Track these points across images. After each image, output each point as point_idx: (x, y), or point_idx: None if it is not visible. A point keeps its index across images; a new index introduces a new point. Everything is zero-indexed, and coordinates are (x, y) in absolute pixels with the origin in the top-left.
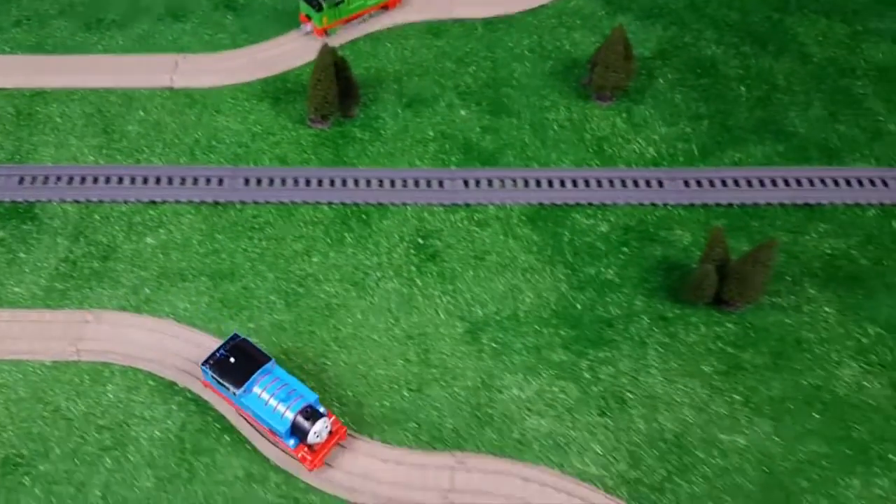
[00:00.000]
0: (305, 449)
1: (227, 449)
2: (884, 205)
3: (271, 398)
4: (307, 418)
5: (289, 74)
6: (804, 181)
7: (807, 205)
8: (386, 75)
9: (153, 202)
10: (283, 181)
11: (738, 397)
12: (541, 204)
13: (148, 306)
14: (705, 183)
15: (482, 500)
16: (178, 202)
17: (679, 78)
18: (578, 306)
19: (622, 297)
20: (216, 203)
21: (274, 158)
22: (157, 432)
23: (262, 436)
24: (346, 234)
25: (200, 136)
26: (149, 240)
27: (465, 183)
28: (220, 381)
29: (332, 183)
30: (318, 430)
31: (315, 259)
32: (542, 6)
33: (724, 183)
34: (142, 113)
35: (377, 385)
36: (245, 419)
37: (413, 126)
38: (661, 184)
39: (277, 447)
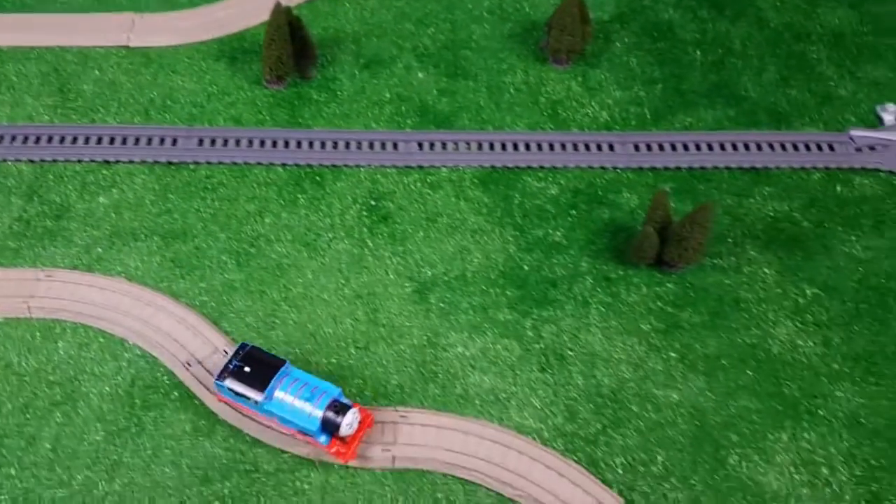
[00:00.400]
0: (338, 443)
1: (175, 404)
2: (829, 169)
3: (296, 400)
4: (336, 412)
5: (246, 34)
6: (752, 145)
7: (753, 168)
8: (344, 36)
9: (107, 162)
10: (238, 142)
11: (674, 354)
12: (493, 167)
13: (100, 265)
14: (655, 147)
15: (423, 453)
16: (131, 162)
17: (636, 42)
18: (525, 267)
19: (568, 259)
20: (170, 163)
21: (229, 119)
22: (106, 388)
23: (210, 392)
24: (299, 196)
25: (156, 96)
26: (102, 199)
27: (420, 145)
28: (240, 393)
29: (286, 144)
30: (350, 422)
31: (267, 220)
32: None
33: (673, 147)
34: (97, 72)
35: (325, 343)
36: (271, 426)
37: (370, 88)
38: (611, 147)
39: (229, 407)
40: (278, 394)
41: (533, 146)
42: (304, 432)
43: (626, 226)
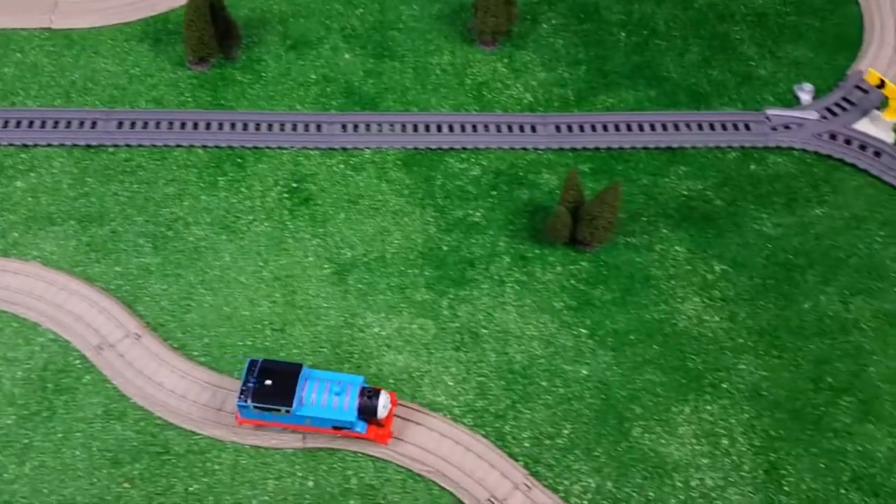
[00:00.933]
0: (374, 428)
1: (87, 388)
2: (744, 147)
3: (325, 398)
4: (370, 397)
5: (171, 15)
6: (670, 125)
7: (670, 148)
8: (271, 16)
9: (25, 145)
10: (158, 124)
11: (584, 331)
12: (416, 148)
13: (15, 249)
14: (576, 128)
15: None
16: (50, 146)
17: (562, 23)
18: (444, 248)
19: (486, 239)
20: (89, 146)
21: (150, 101)
22: (19, 372)
23: (125, 377)
24: (219, 178)
25: (77, 78)
26: (19, 183)
27: (343, 127)
28: (268, 408)
29: (207, 126)
30: (384, 403)
31: (186, 202)
32: None
33: (593, 128)
34: (19, 55)
35: (241, 325)
36: (301, 431)
37: (295, 69)
38: (533, 129)
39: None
40: (307, 397)
41: (457, 127)
42: (340, 427)
43: (544, 206)
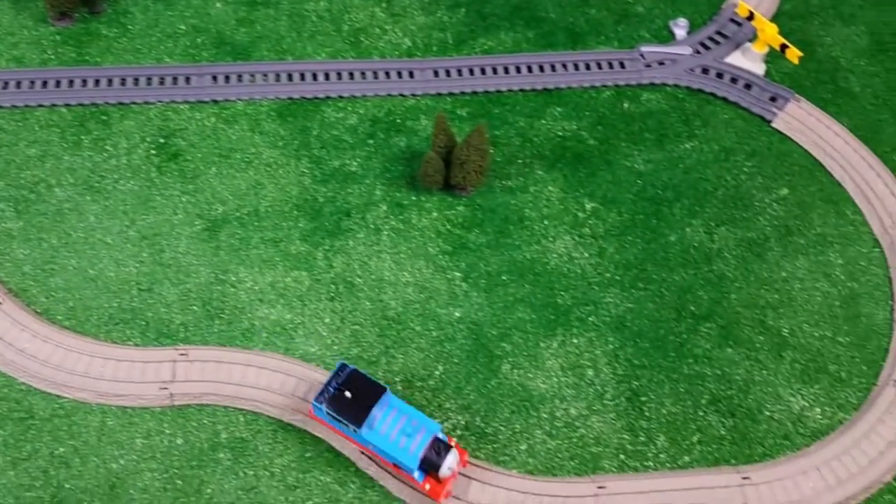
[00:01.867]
0: (431, 480)
1: None
2: (618, 86)
3: (395, 433)
4: (438, 453)
5: None
6: (546, 66)
7: (546, 90)
8: None
9: None
10: (19, 84)
11: (458, 274)
12: (291, 98)
13: None
14: (454, 72)
15: (202, 389)
16: None
17: None
18: (320, 199)
19: (363, 188)
20: None
21: (11, 60)
22: None
23: None
24: (83, 137)
25: None
26: None
27: (214, 78)
28: (338, 418)
29: (70, 84)
30: (451, 464)
31: (48, 164)
32: None
33: (471, 72)
34: None
35: (106, 287)
36: (365, 454)
37: (164, 20)
38: (411, 74)
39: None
40: (378, 425)
41: (333, 76)
42: (398, 466)
43: (422, 152)
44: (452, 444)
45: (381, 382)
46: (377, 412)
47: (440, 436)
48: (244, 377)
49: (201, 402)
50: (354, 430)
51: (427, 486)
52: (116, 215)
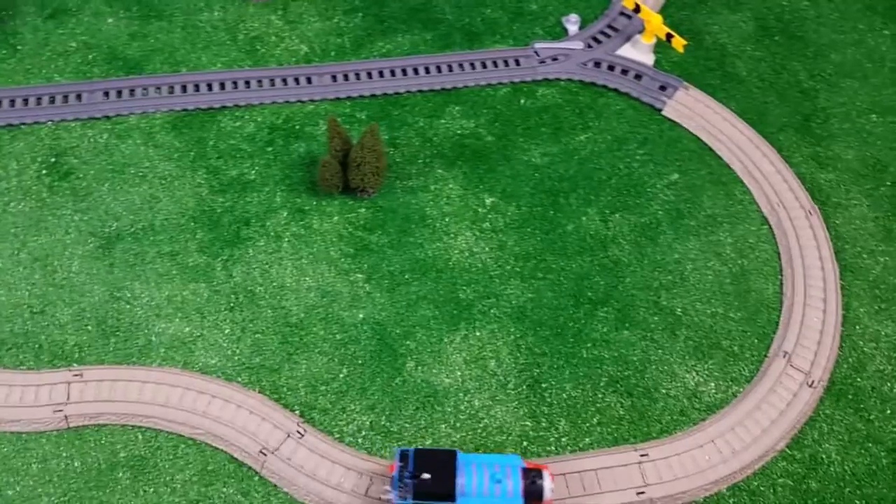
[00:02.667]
0: None
1: None
2: (514, 83)
3: (487, 486)
4: (533, 481)
5: None
6: (444, 67)
7: (444, 89)
8: None
9: None
10: None
11: (361, 276)
12: (185, 110)
13: None
14: (352, 76)
15: (99, 409)
16: None
17: None
18: (218, 209)
19: (262, 196)
20: None
21: None
22: None
23: None
24: None
25: None
26: None
27: (106, 94)
28: (432, 499)
29: None
30: (549, 486)
31: None
32: None
33: (369, 75)
34: None
35: None
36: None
37: (55, 39)
38: (309, 80)
39: None
40: (469, 488)
41: (228, 85)
42: None
43: (322, 157)
44: (540, 467)
45: (445, 448)
46: (461, 478)
47: (524, 465)
48: (141, 394)
49: (98, 423)
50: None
51: None
52: (7, 238)
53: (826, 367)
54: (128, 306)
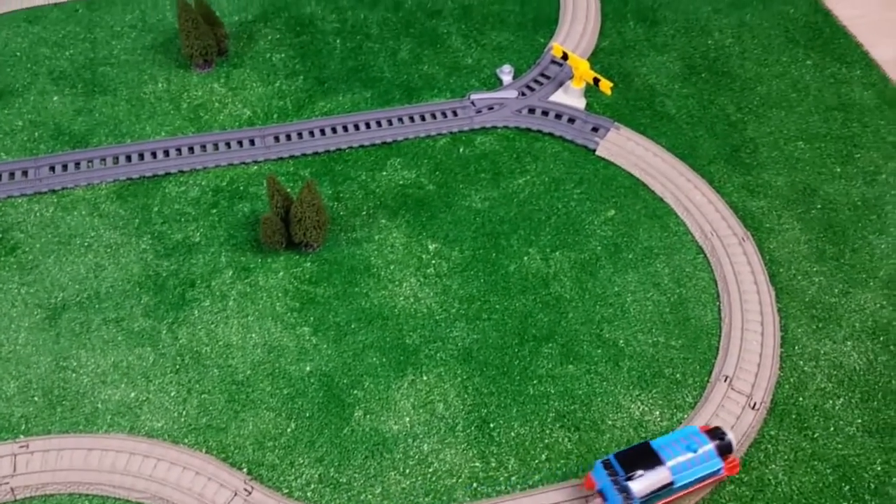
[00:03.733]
0: (727, 462)
1: None
2: (453, 133)
3: (688, 458)
4: (718, 436)
5: None
6: (384, 122)
7: (385, 143)
8: None
9: None
10: None
11: (307, 329)
12: (130, 179)
13: None
14: (294, 136)
15: (45, 479)
16: None
17: (279, 38)
18: (163, 273)
19: (208, 257)
20: None
21: None
22: None
23: None
24: None
25: None
26: None
27: (52, 169)
28: (656, 493)
29: None
30: (733, 437)
31: None
32: None
33: (311, 133)
34: None
35: None
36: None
37: (1, 119)
38: (252, 142)
39: None
40: (675, 467)
41: (173, 152)
42: (707, 478)
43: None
44: (713, 427)
45: (636, 444)
46: (666, 461)
47: (697, 428)
48: (87, 462)
49: (45, 493)
50: (670, 488)
51: (729, 464)
52: None
53: (767, 389)
54: (74, 375)
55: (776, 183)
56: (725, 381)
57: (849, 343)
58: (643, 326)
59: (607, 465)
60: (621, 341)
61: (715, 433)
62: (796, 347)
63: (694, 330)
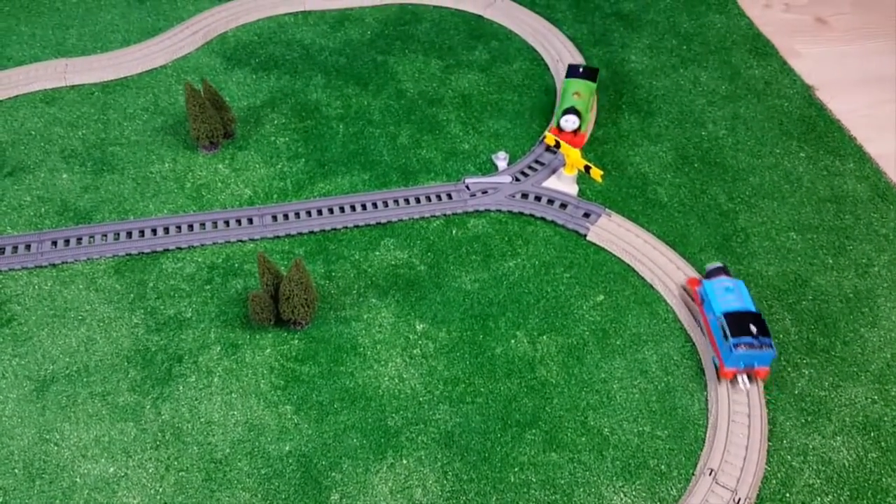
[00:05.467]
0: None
1: None
2: (447, 215)
3: (730, 298)
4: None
5: None
6: (380, 203)
7: (379, 224)
8: None
9: None
10: None
11: (290, 407)
12: (129, 254)
13: None
14: (292, 215)
15: None
16: None
17: (284, 122)
18: (152, 348)
19: (197, 332)
20: None
21: None
22: None
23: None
24: None
25: None
26: None
27: (54, 243)
28: (758, 340)
29: None
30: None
31: None
32: (162, 66)
33: (308, 213)
34: None
35: None
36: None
37: (10, 194)
38: (250, 221)
39: None
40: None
41: (172, 229)
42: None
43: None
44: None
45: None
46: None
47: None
48: None
49: None
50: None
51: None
52: None
53: (753, 484)
54: (55, 448)
55: (767, 273)
56: (710, 474)
57: (838, 438)
58: (629, 415)
59: (726, 320)
60: (606, 429)
61: (716, 269)
62: (784, 441)
63: (680, 420)
